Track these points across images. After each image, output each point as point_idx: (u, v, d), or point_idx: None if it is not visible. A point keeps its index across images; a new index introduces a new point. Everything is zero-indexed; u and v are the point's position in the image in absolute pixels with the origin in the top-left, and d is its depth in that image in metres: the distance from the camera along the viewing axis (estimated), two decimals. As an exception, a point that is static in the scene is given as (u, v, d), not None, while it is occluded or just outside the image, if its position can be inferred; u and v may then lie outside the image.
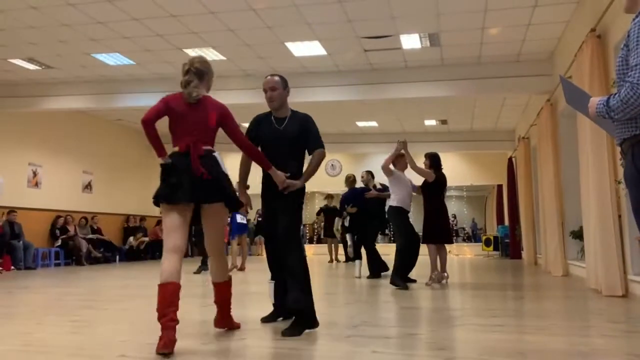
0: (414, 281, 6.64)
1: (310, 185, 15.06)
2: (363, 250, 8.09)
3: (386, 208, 7.09)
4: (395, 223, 6.48)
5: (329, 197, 12.67)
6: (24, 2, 6.76)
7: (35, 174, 11.58)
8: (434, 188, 6.47)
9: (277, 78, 3.70)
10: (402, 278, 6.15)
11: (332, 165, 17.14)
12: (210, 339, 3.21)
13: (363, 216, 8.19)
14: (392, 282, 6.14)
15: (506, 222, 14.56)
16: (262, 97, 11.53)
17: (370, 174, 8.35)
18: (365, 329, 3.48)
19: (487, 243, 14.93)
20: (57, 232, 11.49)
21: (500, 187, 16.37)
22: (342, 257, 12.23)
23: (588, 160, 5.64)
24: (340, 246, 12.16)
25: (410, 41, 7.97)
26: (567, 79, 2.67)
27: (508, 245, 13.82)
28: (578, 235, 7.47)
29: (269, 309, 3.90)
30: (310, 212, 18.91)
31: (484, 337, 3.21)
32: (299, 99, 9.86)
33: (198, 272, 8.42)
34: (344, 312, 4.38)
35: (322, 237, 14.20)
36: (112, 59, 9.05)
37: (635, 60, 2.06)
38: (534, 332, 3.38)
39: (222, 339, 3.20)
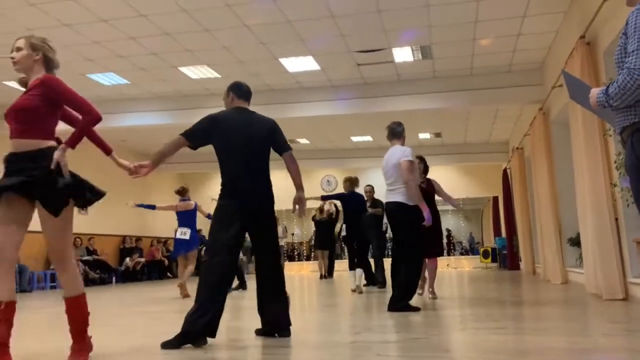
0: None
1: (306, 202, 14.68)
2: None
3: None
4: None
5: (320, 209, 12.55)
6: (20, 24, 6.82)
7: (30, 196, 11.52)
8: (429, 195, 5.72)
9: (225, 89, 3.71)
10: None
11: (328, 181, 17.17)
12: (210, 347, 3.19)
13: (360, 225, 7.78)
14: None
15: (503, 234, 14.58)
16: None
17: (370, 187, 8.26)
18: (368, 335, 3.47)
19: (485, 255, 14.92)
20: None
21: (496, 198, 16.41)
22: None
23: (582, 165, 5.69)
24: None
25: (403, 54, 8.08)
26: (570, 73, 2.70)
27: (506, 256, 13.81)
28: (576, 242, 7.49)
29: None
30: (307, 229, 18.88)
31: (485, 339, 3.21)
32: (293, 114, 9.96)
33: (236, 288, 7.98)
34: (345, 320, 4.36)
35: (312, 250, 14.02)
36: (107, 79, 9.11)
37: (633, 46, 2.10)
38: (534, 334, 3.38)
39: (221, 348, 3.19)
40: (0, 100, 9.97)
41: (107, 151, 3.15)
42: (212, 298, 3.16)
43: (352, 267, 7.53)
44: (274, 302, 3.43)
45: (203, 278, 3.22)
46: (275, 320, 3.43)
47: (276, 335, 3.40)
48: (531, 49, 7.94)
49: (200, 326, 3.10)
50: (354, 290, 7.09)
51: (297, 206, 3.59)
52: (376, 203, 7.98)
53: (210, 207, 8.23)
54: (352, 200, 7.77)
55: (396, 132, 4.99)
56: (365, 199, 8.05)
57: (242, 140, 3.45)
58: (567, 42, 6.61)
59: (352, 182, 7.82)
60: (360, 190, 8.11)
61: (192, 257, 7.34)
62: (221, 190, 3.42)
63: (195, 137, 3.44)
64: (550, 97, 7.94)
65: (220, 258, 3.22)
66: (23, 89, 3.04)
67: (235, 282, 8.10)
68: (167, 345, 3.09)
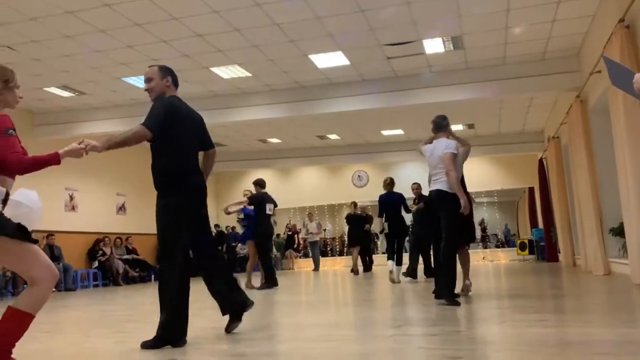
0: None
1: (337, 197, 14.90)
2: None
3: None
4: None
5: (354, 204, 12.52)
6: (58, 32, 7.05)
7: (71, 198, 11.92)
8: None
9: (154, 67, 3.44)
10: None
11: (359, 176, 17.10)
12: (257, 342, 3.25)
13: (399, 221, 8.33)
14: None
15: (540, 225, 14.28)
16: (287, 111, 11.59)
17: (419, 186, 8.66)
18: (408, 329, 3.47)
19: (522, 247, 14.63)
20: (97, 252, 11.77)
21: (531, 189, 16.06)
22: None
23: (624, 153, 5.53)
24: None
25: (433, 46, 7.99)
26: (611, 59, 2.63)
27: (544, 248, 13.52)
28: (618, 232, 7.27)
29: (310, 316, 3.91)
30: (339, 224, 18.89)
31: (527, 332, 3.16)
32: (323, 110, 9.98)
33: (261, 287, 7.81)
34: (384, 314, 4.37)
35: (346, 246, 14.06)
36: (141, 82, 9.25)
37: None
38: (578, 326, 3.32)
39: (265, 342, 3.24)
40: (42, 106, 10.41)
41: (57, 161, 2.67)
42: (178, 308, 3.18)
43: (390, 257, 7.99)
44: (233, 288, 3.53)
45: (165, 287, 3.18)
46: (241, 301, 3.52)
47: (244, 311, 3.53)
48: (567, 35, 7.73)
49: (177, 335, 3.16)
50: (399, 281, 7.74)
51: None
52: (422, 199, 8.48)
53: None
54: (391, 199, 8.33)
55: (441, 126, 5.14)
56: (414, 196, 8.66)
57: (192, 134, 3.40)
58: (605, 27, 6.42)
59: (390, 183, 8.48)
60: (398, 189, 8.59)
61: (250, 251, 8.45)
62: (168, 185, 3.23)
63: (159, 129, 3.19)
64: (587, 84, 7.73)
65: (178, 263, 3.18)
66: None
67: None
68: (146, 345, 3.12)
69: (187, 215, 3.27)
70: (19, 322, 2.49)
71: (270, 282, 7.96)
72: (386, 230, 8.15)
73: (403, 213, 8.43)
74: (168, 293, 3.17)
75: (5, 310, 2.51)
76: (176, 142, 3.28)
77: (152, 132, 3.16)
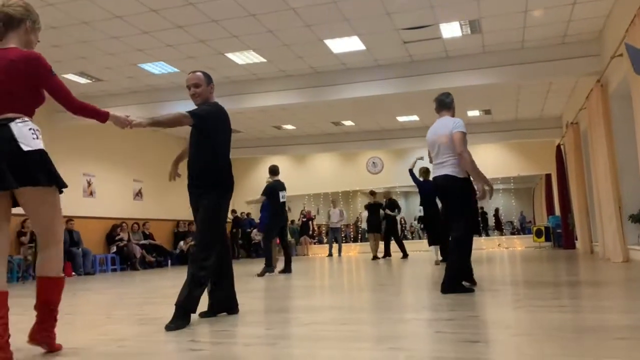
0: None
1: (352, 184, 14.99)
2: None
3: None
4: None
5: (372, 193, 12.63)
6: (75, 18, 7.09)
7: (89, 183, 12.08)
8: None
9: (199, 74, 3.67)
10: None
11: (374, 162, 17.04)
12: (273, 324, 3.28)
13: (433, 208, 8.82)
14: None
15: (557, 212, 14.14)
16: (302, 97, 11.54)
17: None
18: (426, 313, 3.47)
19: (538, 234, 14.52)
20: (115, 238, 11.95)
21: (548, 176, 15.89)
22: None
23: (645, 138, 5.43)
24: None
25: (451, 30, 7.88)
26: (633, 46, 2.58)
27: (560, 235, 13.41)
28: (638, 218, 7.19)
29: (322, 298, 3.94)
30: (353, 211, 18.90)
31: (547, 317, 3.15)
32: (338, 96, 9.93)
33: (262, 274, 7.75)
34: (401, 299, 4.38)
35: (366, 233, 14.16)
36: (157, 68, 9.35)
37: None
38: (597, 312, 3.29)
39: (282, 324, 3.28)
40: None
41: (103, 119, 2.79)
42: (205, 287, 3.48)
43: (430, 243, 8.85)
44: (232, 283, 3.77)
45: (209, 267, 3.42)
46: (234, 297, 3.77)
47: (225, 313, 3.71)
48: (587, 18, 7.57)
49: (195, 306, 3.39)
50: (437, 264, 8.27)
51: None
52: None
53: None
54: (427, 188, 8.68)
55: (445, 103, 4.73)
56: None
57: (230, 137, 3.71)
58: (627, 9, 6.27)
59: (425, 172, 8.89)
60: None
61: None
62: (221, 179, 3.56)
63: (204, 121, 3.50)
64: (608, 69, 7.58)
65: (218, 251, 3.53)
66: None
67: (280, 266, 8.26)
68: (170, 327, 3.17)
69: (228, 205, 3.67)
70: (56, 287, 2.67)
71: (287, 267, 8.14)
72: (421, 214, 8.97)
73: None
74: (204, 276, 3.41)
75: (39, 283, 2.62)
76: (220, 144, 3.62)
77: (193, 119, 3.42)
